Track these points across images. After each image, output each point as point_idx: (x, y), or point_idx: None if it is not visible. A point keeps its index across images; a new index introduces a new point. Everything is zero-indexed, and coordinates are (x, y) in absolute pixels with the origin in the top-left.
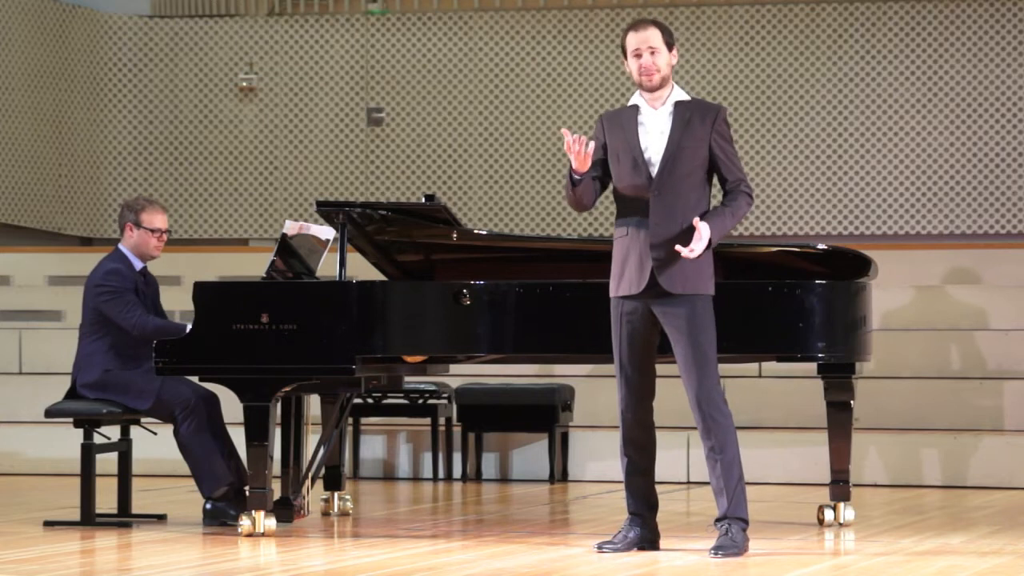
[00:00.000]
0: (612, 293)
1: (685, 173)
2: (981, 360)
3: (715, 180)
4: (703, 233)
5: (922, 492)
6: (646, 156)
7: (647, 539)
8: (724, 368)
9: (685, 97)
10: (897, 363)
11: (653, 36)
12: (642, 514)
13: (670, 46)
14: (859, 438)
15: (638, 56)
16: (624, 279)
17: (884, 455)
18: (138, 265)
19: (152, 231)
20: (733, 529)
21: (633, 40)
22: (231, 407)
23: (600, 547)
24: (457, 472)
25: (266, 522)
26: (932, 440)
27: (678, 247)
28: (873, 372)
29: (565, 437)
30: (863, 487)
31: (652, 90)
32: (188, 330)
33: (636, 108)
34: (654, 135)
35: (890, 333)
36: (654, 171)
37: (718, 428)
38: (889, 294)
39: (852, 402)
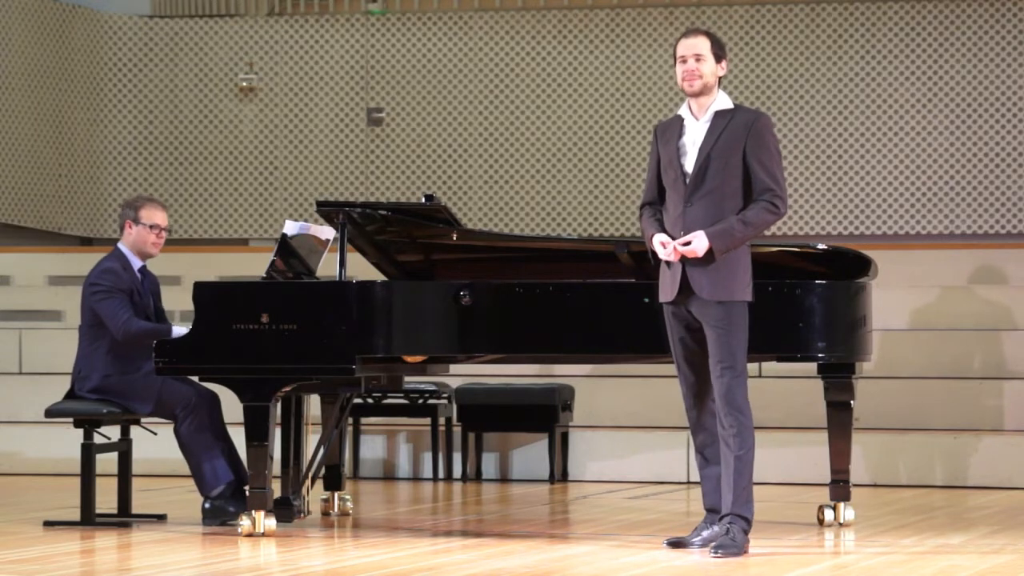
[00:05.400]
0: (660, 299)
1: (717, 184)
2: (981, 360)
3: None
4: (692, 239)
5: (922, 492)
6: (684, 168)
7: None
8: None
9: (728, 106)
10: (897, 363)
11: (701, 44)
12: (717, 509)
13: (719, 57)
14: (859, 438)
15: (684, 62)
16: (663, 286)
17: (884, 455)
18: (136, 264)
19: (151, 227)
20: (734, 529)
21: (682, 47)
22: (231, 407)
23: (673, 543)
24: (457, 472)
25: (266, 522)
26: (932, 440)
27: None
28: (873, 372)
29: (565, 437)
30: (863, 487)
31: (693, 95)
32: (176, 332)
33: (681, 119)
34: (690, 147)
35: (890, 333)
36: (688, 182)
37: (738, 424)
38: (889, 294)
39: (852, 402)
